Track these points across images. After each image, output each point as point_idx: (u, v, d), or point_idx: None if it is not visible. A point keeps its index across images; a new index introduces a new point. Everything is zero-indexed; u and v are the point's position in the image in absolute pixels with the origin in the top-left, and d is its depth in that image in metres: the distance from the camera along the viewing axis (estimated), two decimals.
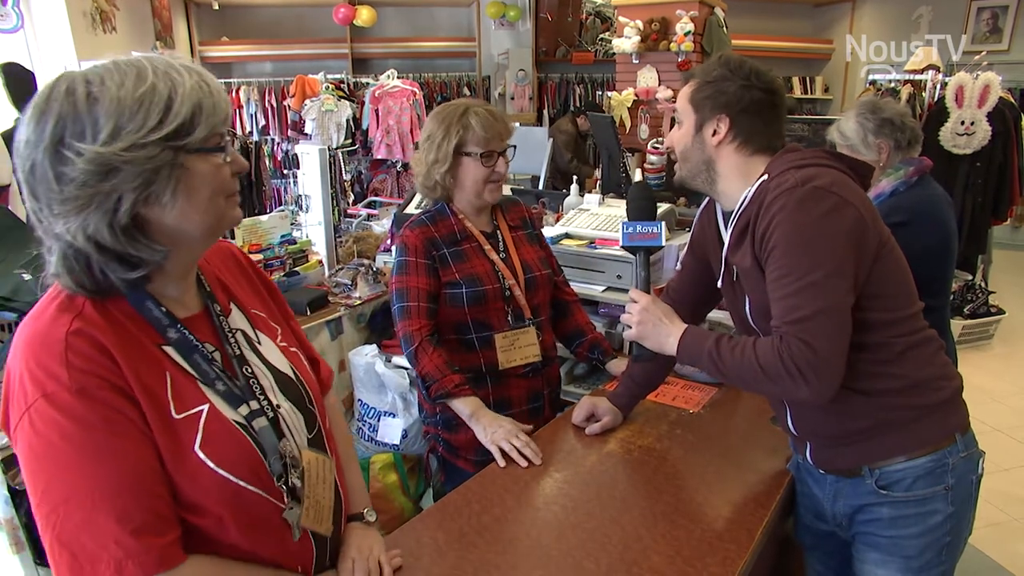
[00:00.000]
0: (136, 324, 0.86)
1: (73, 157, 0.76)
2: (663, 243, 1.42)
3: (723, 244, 1.36)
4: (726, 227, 1.35)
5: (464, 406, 1.62)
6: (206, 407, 0.88)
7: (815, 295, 1.13)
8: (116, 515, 0.78)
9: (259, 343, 1.02)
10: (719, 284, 1.40)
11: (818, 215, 1.15)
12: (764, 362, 1.17)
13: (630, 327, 1.39)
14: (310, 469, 0.99)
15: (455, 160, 1.69)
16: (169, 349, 0.88)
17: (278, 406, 0.97)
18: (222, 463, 0.86)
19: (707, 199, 1.47)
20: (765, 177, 1.26)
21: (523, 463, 1.48)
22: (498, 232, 1.81)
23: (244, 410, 0.92)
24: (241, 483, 0.88)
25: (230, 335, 0.96)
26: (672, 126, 1.42)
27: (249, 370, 0.96)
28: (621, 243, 1.45)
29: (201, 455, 0.85)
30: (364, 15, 7.44)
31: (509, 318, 1.75)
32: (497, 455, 1.50)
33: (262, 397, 0.95)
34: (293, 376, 1.04)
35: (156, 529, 0.81)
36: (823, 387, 1.14)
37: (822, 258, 1.14)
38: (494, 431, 1.54)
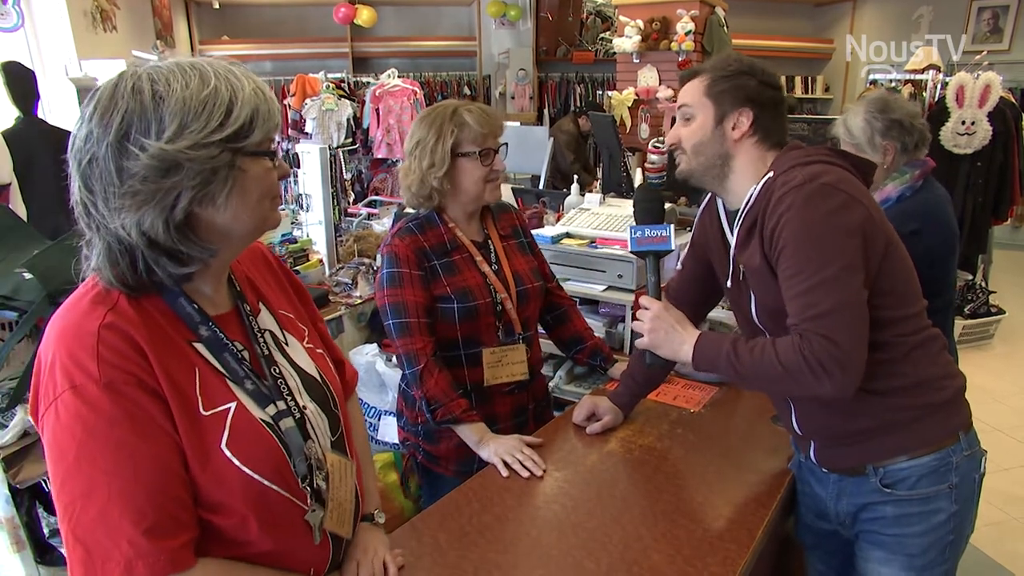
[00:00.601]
0: (168, 320, 0.87)
1: (137, 152, 0.78)
2: (673, 246, 1.39)
3: (728, 244, 1.35)
4: (731, 227, 1.34)
5: (472, 433, 1.57)
6: (234, 404, 0.88)
7: (830, 290, 1.12)
8: (130, 513, 0.79)
9: (286, 344, 1.02)
10: (728, 285, 1.39)
11: (827, 212, 1.14)
12: (785, 360, 1.15)
13: (641, 335, 1.37)
14: (333, 472, 0.99)
15: (452, 162, 1.60)
16: (199, 346, 0.89)
17: (304, 407, 0.98)
18: (248, 461, 0.87)
19: (707, 198, 1.46)
20: (770, 175, 1.25)
21: (525, 473, 1.46)
22: (489, 242, 1.74)
23: (271, 410, 0.92)
24: (265, 482, 0.88)
25: (259, 335, 0.97)
26: (672, 125, 1.39)
27: (277, 370, 0.96)
28: (630, 248, 1.41)
29: (227, 452, 0.85)
30: (364, 15, 7.44)
31: (499, 333, 1.68)
32: (500, 466, 1.49)
33: (289, 398, 0.95)
34: (319, 378, 1.04)
35: (170, 531, 0.81)
36: (847, 381, 1.13)
37: (834, 254, 1.13)
38: (497, 447, 1.52)
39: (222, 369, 0.90)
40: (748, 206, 1.27)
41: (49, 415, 0.80)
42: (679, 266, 1.61)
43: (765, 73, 1.30)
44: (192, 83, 0.80)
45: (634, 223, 1.42)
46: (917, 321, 1.26)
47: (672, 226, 1.40)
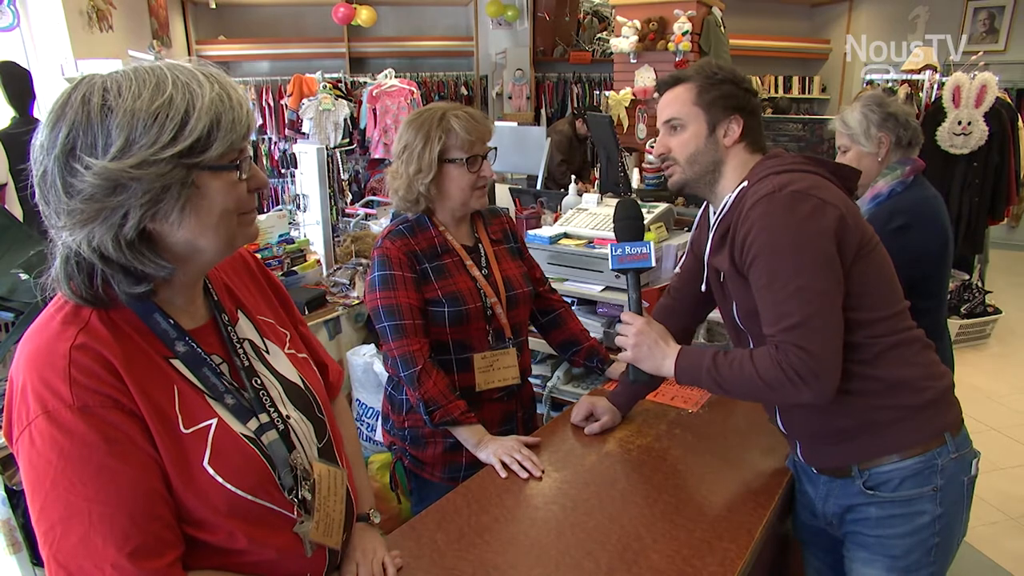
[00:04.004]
0: (143, 336, 0.85)
1: (82, 170, 0.74)
2: (653, 263, 1.40)
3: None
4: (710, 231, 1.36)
5: (470, 435, 1.57)
6: (215, 421, 0.87)
7: (802, 301, 1.15)
8: (113, 537, 0.77)
9: (267, 352, 1.00)
10: (702, 287, 1.41)
11: (796, 220, 1.16)
12: (764, 373, 1.18)
13: (625, 350, 1.39)
14: (321, 482, 0.98)
15: (439, 169, 1.58)
16: (177, 363, 0.87)
17: (288, 417, 0.96)
18: (231, 478, 0.85)
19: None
20: (745, 184, 1.27)
21: (523, 475, 1.46)
22: (480, 246, 1.73)
23: (253, 424, 0.90)
24: (250, 498, 0.87)
25: (238, 345, 0.95)
26: None
27: (258, 381, 0.94)
28: (611, 265, 1.42)
29: (210, 470, 0.84)
30: (364, 15, 7.43)
31: (490, 338, 1.68)
32: (498, 467, 1.48)
33: (272, 409, 0.94)
34: (302, 385, 1.02)
35: (154, 551, 0.79)
36: (823, 386, 1.16)
37: (803, 263, 1.15)
38: (496, 448, 1.52)
39: (201, 385, 0.87)
40: (722, 214, 1.29)
41: (23, 440, 0.78)
42: (677, 269, 1.62)
43: (746, 80, 1.33)
44: (145, 92, 0.75)
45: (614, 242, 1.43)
46: (894, 323, 1.26)
47: (652, 243, 1.41)
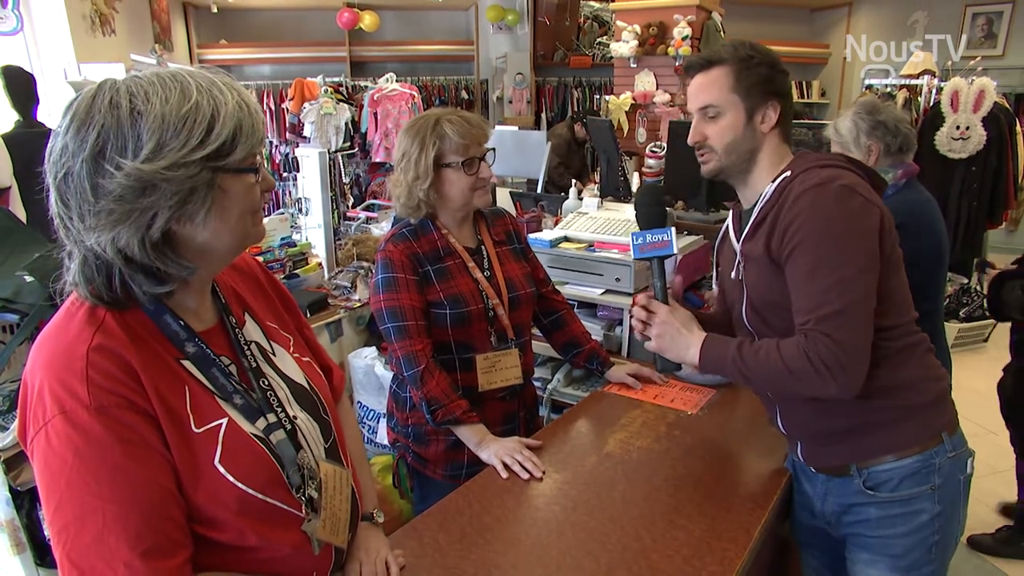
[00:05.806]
0: (154, 337, 0.86)
1: (113, 171, 0.75)
2: (675, 250, 1.38)
3: (732, 248, 1.36)
4: (742, 222, 1.34)
5: (472, 434, 1.58)
6: (225, 421, 0.88)
7: (843, 290, 1.14)
8: (127, 537, 0.78)
9: (273, 354, 1.02)
10: (731, 275, 1.37)
11: (848, 213, 1.16)
12: (790, 362, 1.17)
13: (648, 338, 1.37)
14: (327, 482, 1.00)
15: (436, 174, 1.62)
16: (187, 363, 0.88)
17: (295, 417, 0.98)
18: (242, 476, 0.87)
19: (727, 221, 1.45)
20: (788, 174, 1.26)
21: (524, 475, 1.47)
22: (482, 248, 1.75)
23: (262, 423, 0.92)
24: (260, 496, 0.88)
25: (246, 347, 0.96)
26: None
27: (266, 382, 0.96)
28: (633, 255, 1.40)
29: (221, 469, 0.85)
30: (367, 20, 7.46)
31: (492, 339, 1.70)
32: (500, 468, 1.50)
33: (279, 409, 0.95)
34: (307, 386, 1.04)
35: (166, 551, 0.80)
36: (851, 380, 1.15)
37: (852, 253, 1.16)
38: (497, 449, 1.53)
39: (210, 386, 0.89)
40: (763, 202, 1.27)
41: (39, 440, 0.79)
42: (714, 287, 1.59)
43: (779, 60, 1.29)
44: (172, 97, 0.78)
45: (636, 228, 1.43)
46: (905, 328, 1.28)
47: (673, 229, 1.39)
